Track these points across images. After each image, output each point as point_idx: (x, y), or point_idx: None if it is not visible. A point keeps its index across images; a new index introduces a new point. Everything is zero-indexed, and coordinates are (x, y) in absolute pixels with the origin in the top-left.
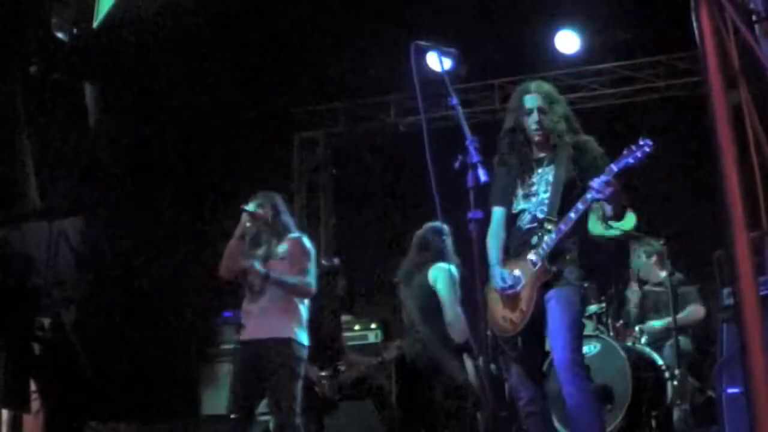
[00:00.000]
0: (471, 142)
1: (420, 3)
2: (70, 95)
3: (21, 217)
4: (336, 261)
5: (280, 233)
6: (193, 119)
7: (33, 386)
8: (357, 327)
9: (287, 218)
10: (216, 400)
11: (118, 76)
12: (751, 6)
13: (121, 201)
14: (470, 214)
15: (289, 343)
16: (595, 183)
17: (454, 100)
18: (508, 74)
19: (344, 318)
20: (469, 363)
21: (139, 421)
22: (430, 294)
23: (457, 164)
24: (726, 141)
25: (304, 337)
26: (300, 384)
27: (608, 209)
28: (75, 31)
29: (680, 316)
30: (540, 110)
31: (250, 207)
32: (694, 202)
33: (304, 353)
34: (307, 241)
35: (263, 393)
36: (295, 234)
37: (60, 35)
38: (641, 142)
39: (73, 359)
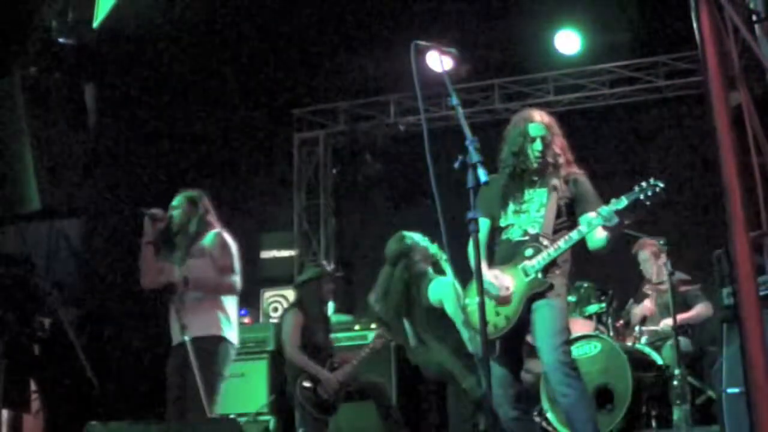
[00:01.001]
0: (471, 142)
1: (420, 3)
2: (70, 95)
3: (21, 217)
4: (325, 264)
5: (199, 231)
6: (193, 119)
7: (33, 386)
8: (357, 327)
9: (207, 214)
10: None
11: (118, 76)
12: (751, 6)
13: (121, 201)
14: (470, 214)
15: (217, 341)
16: (605, 210)
17: (455, 100)
18: (508, 74)
19: (344, 318)
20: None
21: (139, 421)
22: (434, 309)
23: (457, 164)
24: (726, 141)
25: (232, 335)
26: (221, 383)
27: (602, 236)
28: (75, 31)
29: (689, 315)
30: (543, 140)
31: (149, 210)
32: (694, 203)
33: (233, 352)
34: (227, 237)
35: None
36: (215, 230)
37: (60, 36)
38: (652, 182)
39: (73, 359)
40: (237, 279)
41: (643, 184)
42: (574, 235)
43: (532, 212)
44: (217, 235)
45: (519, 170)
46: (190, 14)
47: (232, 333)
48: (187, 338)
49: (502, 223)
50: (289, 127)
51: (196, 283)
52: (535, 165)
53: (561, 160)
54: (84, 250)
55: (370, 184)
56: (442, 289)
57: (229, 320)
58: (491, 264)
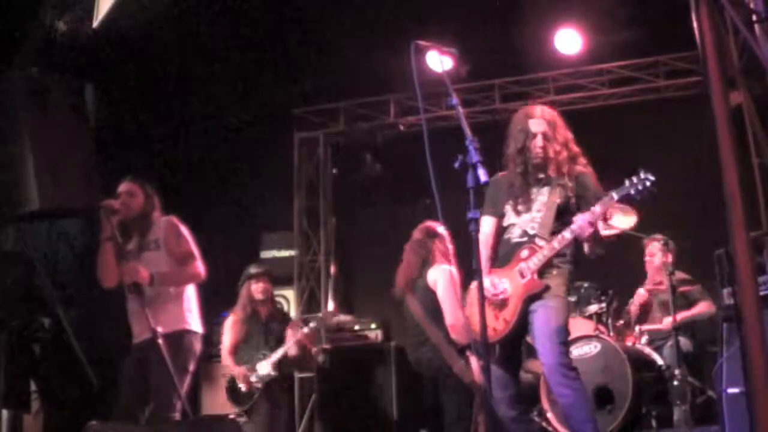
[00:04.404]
0: (471, 142)
1: (420, 3)
2: (70, 95)
3: (21, 217)
4: (256, 266)
5: (151, 220)
6: (194, 119)
7: (33, 386)
8: (357, 327)
9: (157, 203)
10: (216, 400)
11: (118, 76)
12: (751, 6)
13: None
14: (470, 214)
15: (182, 335)
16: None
17: (454, 100)
18: (508, 74)
19: (344, 318)
20: (474, 362)
21: (139, 421)
22: (433, 295)
23: (457, 164)
24: (726, 141)
25: (197, 325)
26: (188, 379)
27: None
28: (75, 31)
29: (692, 312)
30: (544, 135)
31: (104, 203)
32: (694, 202)
33: (198, 345)
34: (177, 221)
35: (149, 397)
36: (164, 217)
37: (60, 36)
38: (642, 176)
39: (73, 359)
40: (200, 264)
41: (634, 178)
42: (566, 234)
43: (533, 212)
44: (169, 222)
45: (527, 168)
46: (189, 14)
47: (196, 323)
48: (159, 333)
49: (506, 222)
50: (289, 127)
51: (161, 279)
52: (538, 161)
53: (563, 156)
54: (84, 250)
55: (370, 184)
56: (438, 273)
57: (193, 310)
58: (494, 264)
